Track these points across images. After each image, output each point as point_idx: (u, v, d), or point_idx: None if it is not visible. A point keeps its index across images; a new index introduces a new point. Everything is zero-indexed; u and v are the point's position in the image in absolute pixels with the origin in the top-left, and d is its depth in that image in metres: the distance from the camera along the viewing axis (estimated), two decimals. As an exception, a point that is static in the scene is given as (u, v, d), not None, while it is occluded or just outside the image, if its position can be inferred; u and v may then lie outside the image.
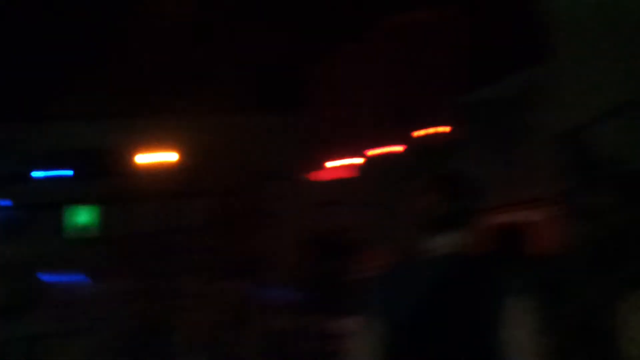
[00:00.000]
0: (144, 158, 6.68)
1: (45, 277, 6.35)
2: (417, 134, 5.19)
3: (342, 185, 6.18)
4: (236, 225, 6.99)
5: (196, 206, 6.83)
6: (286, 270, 7.14)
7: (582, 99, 3.83)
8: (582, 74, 3.84)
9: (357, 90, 5.34)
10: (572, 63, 3.91)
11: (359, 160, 5.47)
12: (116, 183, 6.60)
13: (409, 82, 5.22)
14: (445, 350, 2.30)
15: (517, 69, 5.81)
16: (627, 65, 3.56)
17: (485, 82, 6.33)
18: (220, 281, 6.90)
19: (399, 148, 5.31)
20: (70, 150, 6.55)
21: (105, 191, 6.57)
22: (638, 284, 2.40)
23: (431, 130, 5.16)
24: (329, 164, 5.43)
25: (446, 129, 5.17)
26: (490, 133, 6.32)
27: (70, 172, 6.56)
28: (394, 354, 2.33)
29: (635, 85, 3.52)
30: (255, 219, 7.04)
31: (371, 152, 5.41)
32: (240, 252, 6.99)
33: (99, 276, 6.58)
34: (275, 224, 7.09)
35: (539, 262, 4.33)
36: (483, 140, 6.39)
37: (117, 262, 6.64)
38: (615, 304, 2.37)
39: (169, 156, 6.60)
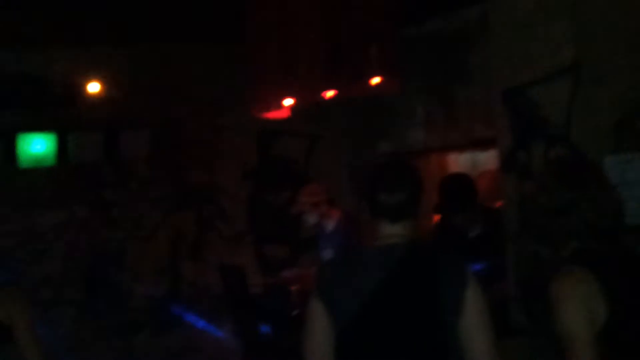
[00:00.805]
0: (93, 87, 6.54)
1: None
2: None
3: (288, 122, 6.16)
4: (185, 157, 7.00)
5: (143, 137, 6.77)
6: (235, 202, 7.23)
7: (528, 53, 3.83)
8: (527, 29, 3.84)
9: (290, 28, 5.22)
10: (522, 16, 3.89)
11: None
12: (68, 112, 6.48)
13: (343, 17, 5.08)
14: (394, 345, 2.26)
15: (467, 3, 5.73)
16: (578, 25, 3.55)
17: (430, 15, 6.27)
18: (175, 212, 6.98)
19: (331, 93, 5.21)
20: (16, 78, 6.35)
21: (59, 120, 6.45)
22: (568, 262, 2.41)
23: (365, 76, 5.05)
24: (283, 102, 5.35)
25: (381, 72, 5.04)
26: (432, 71, 6.32)
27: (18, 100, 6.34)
28: (341, 347, 2.30)
29: (582, 48, 3.53)
30: (202, 150, 7.06)
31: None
32: (192, 184, 7.04)
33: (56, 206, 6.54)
34: (222, 156, 7.12)
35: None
36: (424, 78, 6.39)
37: (73, 191, 6.60)
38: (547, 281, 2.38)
39: (98, 86, 6.46)
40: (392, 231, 2.37)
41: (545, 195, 2.44)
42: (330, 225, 5.42)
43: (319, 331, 2.33)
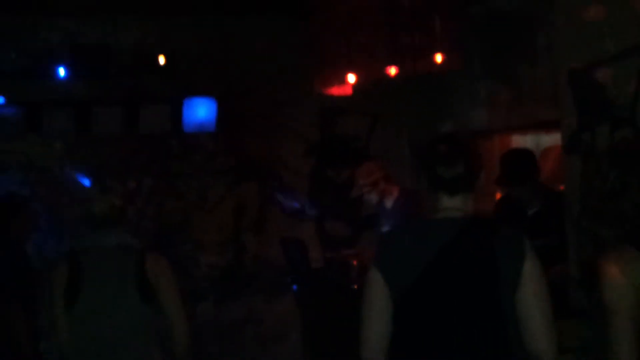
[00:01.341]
0: (160, 59, 6.66)
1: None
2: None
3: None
4: (248, 130, 7.09)
5: (205, 109, 6.89)
6: (297, 177, 7.31)
7: (593, 34, 3.78)
8: (592, 9, 3.79)
9: (353, 4, 5.23)
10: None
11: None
12: (137, 83, 6.65)
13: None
14: (451, 317, 2.30)
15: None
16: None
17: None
18: (238, 185, 7.11)
19: (393, 70, 5.20)
20: (86, 47, 6.52)
21: (128, 90, 6.63)
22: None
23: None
24: (347, 78, 5.37)
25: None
26: (497, 50, 6.24)
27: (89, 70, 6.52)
28: (399, 317, 2.35)
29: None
30: (264, 125, 7.14)
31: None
32: (255, 157, 7.16)
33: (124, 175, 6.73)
34: (284, 131, 7.19)
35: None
36: (488, 57, 6.32)
37: (141, 161, 6.76)
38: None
39: (163, 59, 6.59)
40: (450, 204, 2.40)
41: (599, 178, 2.46)
42: (389, 202, 5.46)
43: (377, 300, 2.37)
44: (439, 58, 5.17)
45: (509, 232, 2.38)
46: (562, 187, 4.33)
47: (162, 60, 6.63)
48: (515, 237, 2.36)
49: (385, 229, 5.32)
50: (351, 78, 5.43)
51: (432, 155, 2.44)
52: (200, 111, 6.83)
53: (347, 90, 5.85)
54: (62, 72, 6.32)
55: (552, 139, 5.95)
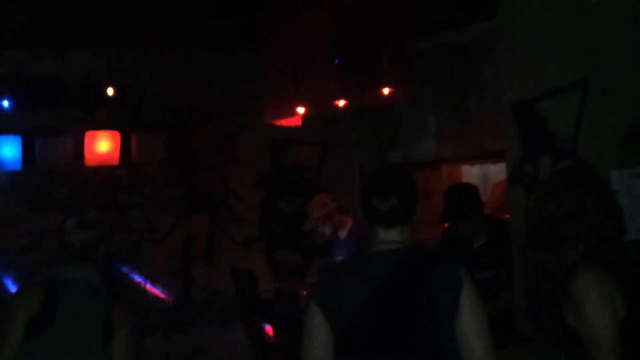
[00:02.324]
0: (109, 90, 6.63)
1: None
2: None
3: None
4: (198, 161, 7.07)
5: (156, 141, 6.85)
6: (247, 207, 7.30)
7: (537, 68, 3.87)
8: (536, 44, 3.89)
9: (303, 37, 5.28)
10: (531, 31, 3.94)
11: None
12: (86, 114, 6.59)
13: (356, 27, 5.13)
14: (391, 349, 2.29)
15: (479, 17, 5.77)
16: (587, 39, 3.59)
17: (443, 28, 6.32)
18: (188, 216, 7.06)
19: (342, 102, 5.26)
20: (35, 79, 6.45)
21: (76, 121, 6.56)
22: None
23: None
24: (296, 110, 5.40)
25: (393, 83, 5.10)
26: (445, 83, 6.37)
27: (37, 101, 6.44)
28: (339, 351, 2.34)
29: (590, 63, 3.57)
30: (215, 156, 7.13)
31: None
32: (205, 188, 7.13)
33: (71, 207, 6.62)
34: (235, 161, 7.19)
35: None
36: (436, 90, 6.45)
37: (88, 193, 6.67)
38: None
39: (112, 90, 6.55)
40: (387, 237, 2.42)
41: (554, 201, 2.55)
42: (343, 233, 5.47)
43: (317, 335, 2.37)
44: (386, 91, 5.24)
45: (445, 262, 2.39)
46: (508, 216, 4.41)
47: (110, 91, 6.59)
48: (452, 266, 2.36)
49: (338, 259, 5.33)
50: (300, 109, 5.46)
51: (367, 188, 2.46)
52: (149, 143, 6.78)
53: (296, 122, 5.89)
54: (5, 103, 6.23)
55: (499, 169, 6.07)
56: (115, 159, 6.68)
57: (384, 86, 5.21)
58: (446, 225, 4.91)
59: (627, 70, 3.61)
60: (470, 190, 4.60)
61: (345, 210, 5.65)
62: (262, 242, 7.35)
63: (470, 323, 2.29)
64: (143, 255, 6.90)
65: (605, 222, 2.52)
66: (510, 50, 4.08)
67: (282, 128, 6.17)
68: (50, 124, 6.50)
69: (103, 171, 6.80)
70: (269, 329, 5.48)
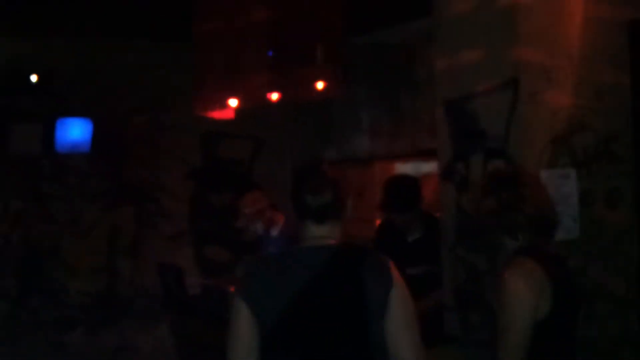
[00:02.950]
0: (33, 78, 6.41)
1: None
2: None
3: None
4: (126, 153, 6.92)
5: (82, 130, 6.66)
6: (176, 201, 7.18)
7: (470, 68, 3.89)
8: (470, 44, 3.90)
9: (237, 29, 5.20)
10: (464, 30, 3.95)
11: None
12: (8, 101, 6.36)
13: (289, 20, 5.08)
14: (318, 346, 2.28)
15: (414, 15, 5.78)
16: (518, 40, 3.61)
17: (378, 25, 6.32)
18: (114, 208, 6.89)
19: (275, 96, 5.20)
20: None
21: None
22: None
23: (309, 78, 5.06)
24: (228, 102, 5.31)
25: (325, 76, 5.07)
26: (379, 80, 6.37)
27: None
28: (265, 347, 2.31)
29: (520, 64, 3.59)
30: (144, 147, 6.99)
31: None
32: (132, 180, 6.97)
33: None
34: (164, 154, 7.06)
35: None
36: (371, 87, 6.45)
37: (9, 183, 6.46)
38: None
39: (35, 77, 6.35)
40: (318, 232, 2.40)
41: (493, 196, 2.69)
42: (275, 230, 5.40)
43: (243, 331, 2.32)
44: (320, 85, 5.19)
45: (376, 259, 2.37)
46: (439, 214, 4.41)
47: (34, 78, 6.37)
48: (382, 263, 2.35)
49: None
50: (233, 102, 5.36)
51: (299, 183, 2.43)
52: (74, 132, 6.58)
53: (229, 114, 5.78)
54: None
55: (431, 167, 6.10)
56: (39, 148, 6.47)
57: (318, 80, 5.17)
58: (379, 220, 4.90)
59: (557, 72, 3.65)
60: (411, 182, 4.56)
61: (278, 207, 5.59)
62: (191, 237, 7.22)
63: (398, 320, 2.27)
64: (66, 248, 6.69)
65: (540, 212, 2.66)
66: (443, 49, 4.09)
67: (214, 121, 6.07)
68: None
69: (26, 160, 6.56)
70: (195, 325, 5.39)
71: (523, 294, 2.46)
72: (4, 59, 6.40)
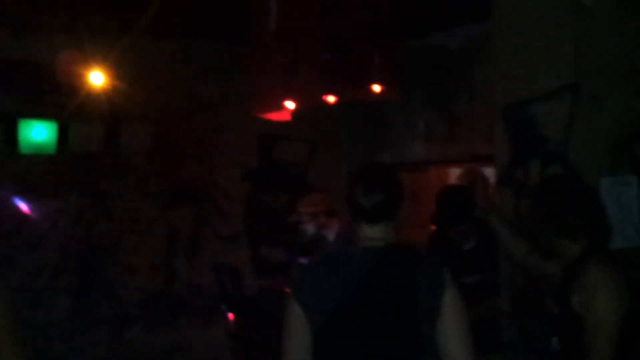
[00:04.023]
0: (96, 77, 6.53)
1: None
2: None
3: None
4: (184, 153, 7.01)
5: (143, 130, 6.78)
6: (232, 202, 7.25)
7: (529, 71, 3.85)
8: (529, 47, 3.86)
9: (295, 32, 5.24)
10: (523, 34, 3.91)
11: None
12: (70, 100, 6.50)
13: (347, 23, 5.10)
14: (369, 348, 2.27)
15: (472, 19, 5.75)
16: (579, 44, 3.56)
17: (435, 29, 6.29)
18: (172, 208, 7.00)
19: (332, 98, 5.22)
20: (19, 63, 6.36)
21: (60, 108, 6.47)
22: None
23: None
24: (285, 104, 5.35)
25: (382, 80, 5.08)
26: (435, 84, 6.33)
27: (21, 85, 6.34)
28: (318, 348, 2.32)
29: (582, 68, 3.54)
30: (202, 148, 7.08)
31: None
32: (190, 181, 7.07)
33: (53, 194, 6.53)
34: (222, 155, 7.14)
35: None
36: (427, 91, 6.41)
37: (71, 181, 6.60)
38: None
39: (101, 77, 6.46)
40: (370, 234, 2.39)
41: (550, 201, 2.77)
42: (331, 235, 5.42)
43: (296, 332, 2.35)
44: (377, 88, 5.20)
45: (429, 262, 2.36)
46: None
47: (98, 78, 6.50)
48: (435, 267, 2.34)
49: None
50: (290, 104, 5.41)
51: (353, 184, 2.43)
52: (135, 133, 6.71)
53: (285, 116, 5.83)
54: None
55: (487, 172, 6.04)
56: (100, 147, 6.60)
57: (374, 83, 5.18)
58: (433, 227, 4.86)
59: (618, 77, 3.59)
60: (463, 194, 4.51)
61: (336, 214, 5.59)
62: (247, 237, 7.28)
63: (451, 326, 2.26)
64: (125, 246, 6.82)
65: (597, 217, 2.73)
66: (503, 53, 4.05)
67: (270, 122, 6.12)
68: (33, 108, 6.41)
69: (88, 159, 6.71)
70: (250, 325, 5.44)
71: (616, 292, 2.53)
72: (67, 59, 6.55)
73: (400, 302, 2.28)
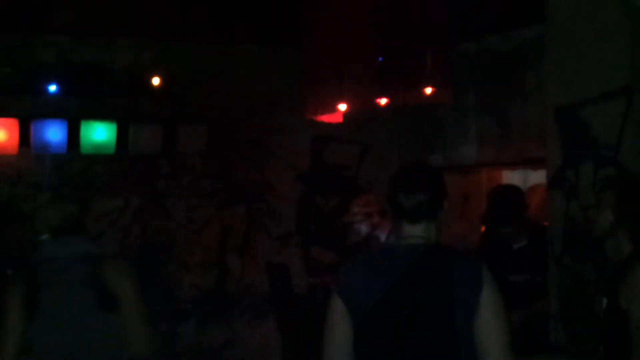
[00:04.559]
0: (154, 80, 6.71)
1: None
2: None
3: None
4: (238, 154, 7.13)
5: (199, 132, 6.92)
6: (285, 202, 7.35)
7: (582, 74, 3.84)
8: (582, 50, 3.85)
9: (346, 34, 5.29)
10: (577, 37, 3.90)
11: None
12: (130, 102, 6.69)
13: (399, 25, 5.13)
14: (408, 344, 2.32)
15: (524, 22, 5.73)
16: (633, 47, 3.55)
17: (487, 31, 6.28)
18: (226, 208, 7.13)
19: (384, 100, 5.25)
20: (81, 66, 6.56)
21: (120, 109, 6.66)
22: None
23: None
24: (337, 106, 5.41)
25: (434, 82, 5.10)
26: (487, 87, 6.31)
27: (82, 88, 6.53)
28: (358, 343, 2.36)
29: (635, 70, 3.53)
30: (255, 149, 7.19)
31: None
32: (243, 181, 7.20)
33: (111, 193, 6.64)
34: (275, 156, 7.23)
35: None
36: (478, 93, 6.40)
37: (129, 180, 6.75)
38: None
39: (158, 79, 6.62)
40: (411, 232, 2.42)
41: (613, 205, 2.80)
42: (383, 236, 5.47)
43: (338, 327, 2.39)
44: (429, 91, 5.23)
45: (467, 259, 2.39)
46: (546, 223, 4.36)
47: (156, 81, 6.68)
48: (473, 265, 2.36)
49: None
50: (342, 106, 5.48)
51: (394, 183, 2.47)
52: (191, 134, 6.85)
53: (337, 118, 5.90)
54: (52, 88, 6.35)
55: (539, 176, 6.01)
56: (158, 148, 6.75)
57: (426, 86, 5.21)
58: (483, 228, 4.87)
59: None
60: (514, 193, 4.49)
61: (388, 216, 5.63)
62: (298, 238, 7.38)
63: (489, 323, 2.27)
64: (179, 244, 6.99)
65: None
66: (556, 56, 4.06)
67: (322, 124, 6.19)
68: (94, 110, 6.61)
69: (145, 159, 6.88)
70: (300, 323, 5.51)
71: None
72: (126, 62, 6.75)
73: (438, 299, 2.30)
